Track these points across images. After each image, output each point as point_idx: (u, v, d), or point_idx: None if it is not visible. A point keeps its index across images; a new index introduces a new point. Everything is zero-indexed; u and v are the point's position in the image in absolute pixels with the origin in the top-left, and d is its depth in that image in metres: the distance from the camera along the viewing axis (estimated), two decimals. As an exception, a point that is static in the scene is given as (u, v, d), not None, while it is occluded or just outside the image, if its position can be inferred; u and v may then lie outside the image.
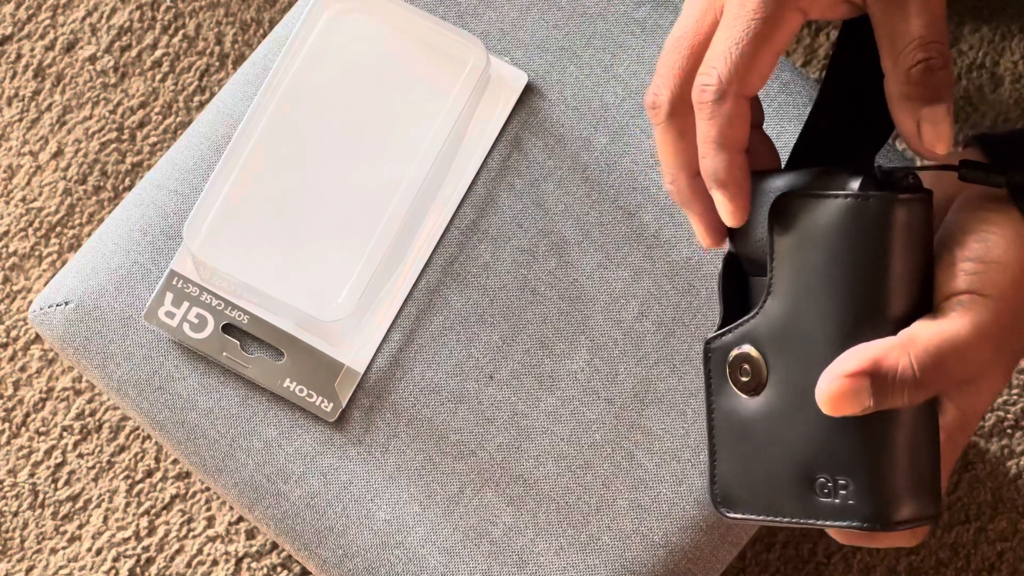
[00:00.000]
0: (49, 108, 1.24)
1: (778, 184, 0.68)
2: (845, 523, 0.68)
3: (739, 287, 0.71)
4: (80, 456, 1.18)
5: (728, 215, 0.69)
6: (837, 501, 0.67)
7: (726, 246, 0.72)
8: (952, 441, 0.69)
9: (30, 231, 1.22)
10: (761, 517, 0.70)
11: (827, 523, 0.68)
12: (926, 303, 0.67)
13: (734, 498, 0.71)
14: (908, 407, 0.66)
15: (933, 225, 0.68)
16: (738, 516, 0.71)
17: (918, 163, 0.70)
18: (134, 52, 1.24)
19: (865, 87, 0.69)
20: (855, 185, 0.66)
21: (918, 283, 0.67)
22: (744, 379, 0.69)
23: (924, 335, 0.66)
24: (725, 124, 0.67)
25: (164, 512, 1.17)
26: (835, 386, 0.65)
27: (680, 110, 0.70)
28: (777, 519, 0.69)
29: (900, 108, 0.67)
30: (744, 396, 0.69)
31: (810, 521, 0.68)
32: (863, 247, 0.66)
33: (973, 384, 0.68)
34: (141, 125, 1.23)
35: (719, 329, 0.70)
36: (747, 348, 0.69)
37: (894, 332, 0.66)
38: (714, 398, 0.70)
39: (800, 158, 0.71)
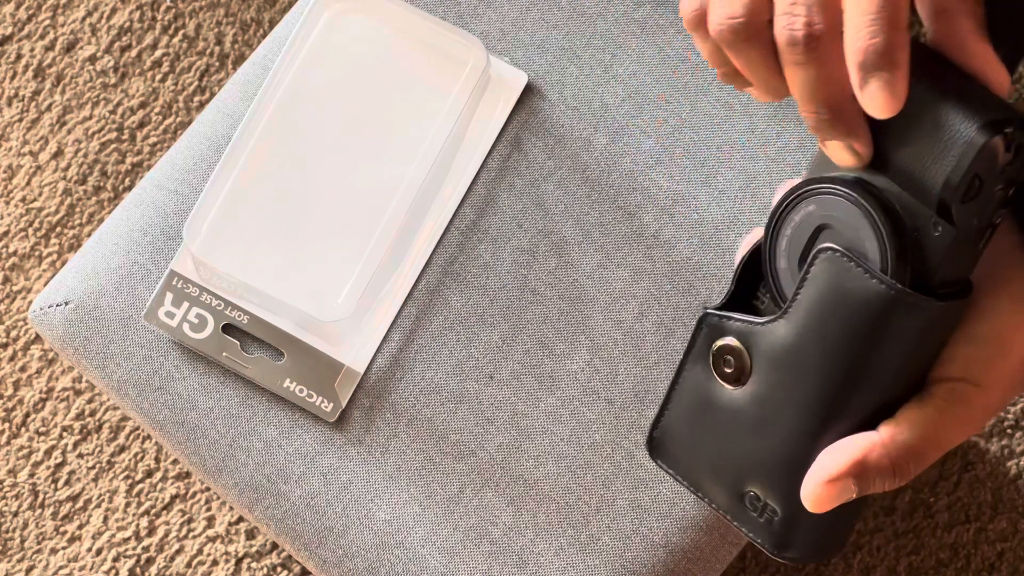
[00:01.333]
0: (49, 108, 1.24)
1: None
2: (754, 537, 0.71)
3: (754, 277, 0.72)
4: (80, 456, 1.18)
5: (889, 100, 0.61)
6: (759, 518, 0.71)
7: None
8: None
9: (30, 231, 1.22)
10: (684, 482, 0.73)
11: (740, 527, 0.71)
12: (922, 381, 0.68)
13: (668, 451, 0.74)
14: None
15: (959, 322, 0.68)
16: (665, 467, 0.74)
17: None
18: (134, 52, 1.24)
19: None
20: (896, 283, 0.66)
21: (925, 367, 0.68)
22: (726, 369, 0.70)
23: (905, 433, 0.66)
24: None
25: (164, 512, 1.17)
26: (821, 491, 0.67)
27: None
28: (698, 494, 0.73)
29: (978, 40, 0.63)
30: (717, 380, 0.71)
31: (727, 516, 0.72)
32: (882, 335, 0.66)
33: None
34: (141, 125, 1.23)
35: (722, 308, 0.71)
36: (740, 345, 0.70)
37: (883, 409, 0.67)
38: (689, 365, 0.72)
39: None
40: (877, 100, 0.62)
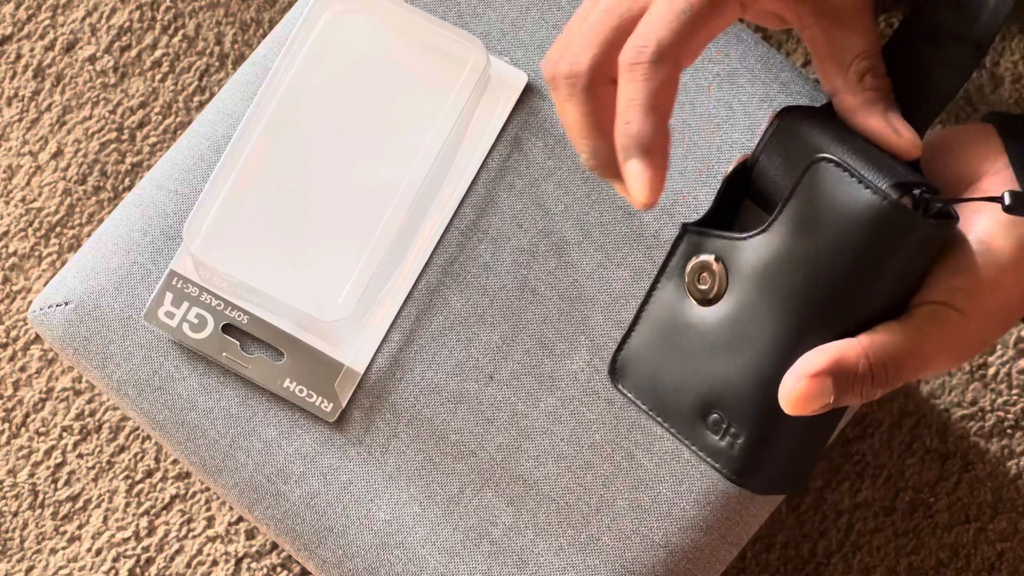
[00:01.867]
0: (49, 108, 1.24)
1: (816, 139, 0.67)
2: (713, 462, 0.69)
3: (735, 196, 0.71)
4: (80, 456, 1.18)
5: (645, 187, 0.65)
6: (720, 442, 0.69)
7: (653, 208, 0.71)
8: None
9: (30, 231, 1.22)
10: (645, 407, 0.72)
11: (699, 452, 0.70)
12: (900, 309, 0.68)
13: (630, 375, 0.72)
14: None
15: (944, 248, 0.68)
16: (626, 392, 0.72)
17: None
18: (134, 52, 1.24)
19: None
20: (893, 192, 0.65)
21: (905, 295, 0.67)
22: (700, 286, 0.69)
23: (885, 341, 0.66)
24: (659, 88, 0.65)
25: (164, 512, 1.17)
26: (801, 386, 0.66)
27: (600, 80, 0.68)
28: (658, 419, 0.71)
29: (867, 114, 0.68)
30: (689, 299, 0.69)
31: (686, 441, 0.70)
32: (871, 248, 0.66)
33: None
34: (141, 125, 1.23)
35: (702, 224, 0.70)
36: (715, 261, 0.69)
37: (862, 327, 0.67)
38: (661, 282, 0.70)
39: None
40: (631, 184, 0.65)
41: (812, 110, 0.69)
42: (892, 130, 0.67)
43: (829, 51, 0.68)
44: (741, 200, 0.71)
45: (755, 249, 0.67)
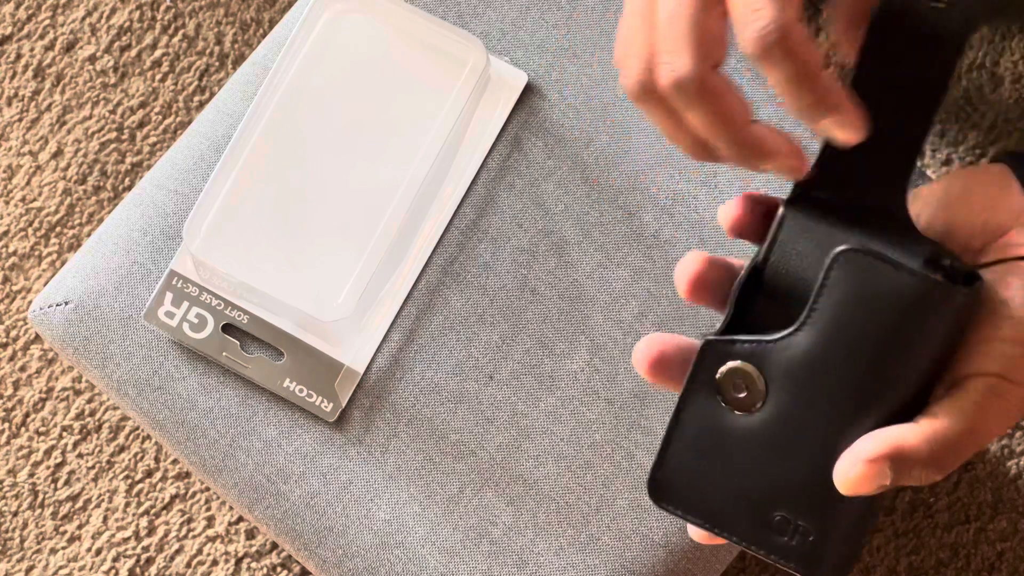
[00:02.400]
0: (49, 108, 1.24)
1: (828, 228, 0.68)
2: (787, 563, 0.69)
3: (749, 299, 0.71)
4: (80, 456, 1.18)
5: (854, 128, 0.64)
6: (790, 542, 0.69)
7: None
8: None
9: (30, 231, 1.22)
10: (698, 521, 0.70)
11: (769, 556, 0.69)
12: (941, 372, 0.68)
13: (676, 493, 0.71)
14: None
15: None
16: (673, 510, 0.71)
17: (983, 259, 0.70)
18: (134, 52, 1.24)
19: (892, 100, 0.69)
20: (926, 270, 0.66)
21: (945, 360, 0.67)
22: (738, 395, 0.69)
23: (944, 423, 0.66)
24: (807, 51, 0.63)
25: (164, 512, 1.17)
26: (857, 470, 0.65)
27: (710, 74, 0.65)
28: (717, 530, 0.70)
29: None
30: (726, 408, 0.69)
31: (754, 547, 0.69)
32: (912, 328, 0.66)
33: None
34: (141, 125, 1.23)
35: (721, 334, 0.70)
36: (748, 367, 0.69)
37: (911, 407, 0.67)
38: (691, 399, 0.70)
39: (828, 173, 0.70)
40: (840, 133, 0.65)
41: (811, 199, 0.69)
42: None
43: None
44: (755, 299, 0.71)
45: (790, 348, 0.68)
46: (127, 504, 1.17)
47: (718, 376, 0.69)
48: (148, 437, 1.18)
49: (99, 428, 1.18)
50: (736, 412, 0.69)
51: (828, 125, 0.65)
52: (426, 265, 0.88)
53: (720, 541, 0.69)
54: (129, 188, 1.22)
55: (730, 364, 0.69)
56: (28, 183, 1.23)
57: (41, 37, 1.25)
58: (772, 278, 0.69)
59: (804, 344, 0.68)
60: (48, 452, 1.18)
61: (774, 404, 0.68)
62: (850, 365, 0.67)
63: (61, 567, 1.17)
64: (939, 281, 0.65)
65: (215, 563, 1.16)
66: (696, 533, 0.69)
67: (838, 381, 0.67)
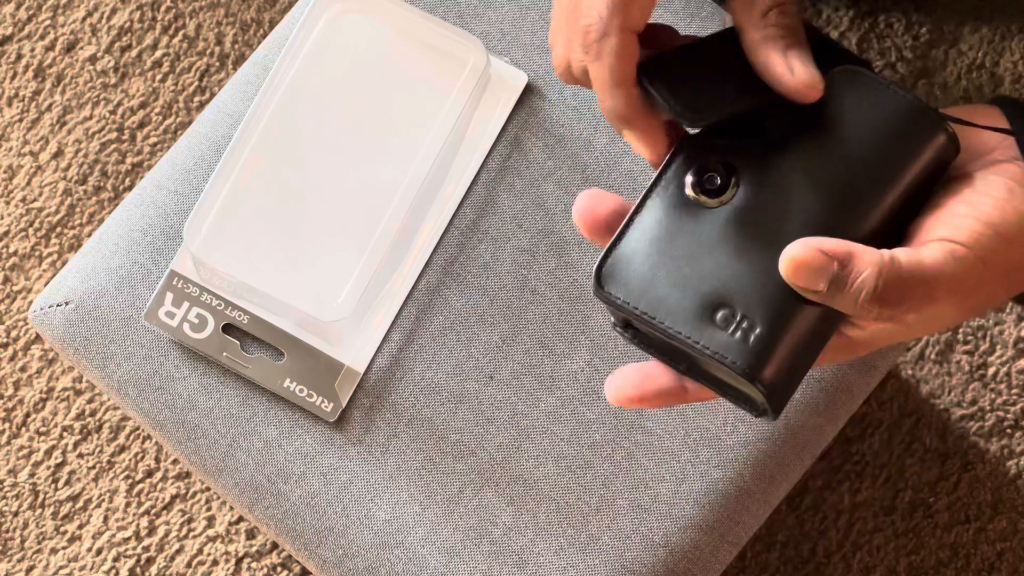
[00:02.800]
0: (49, 108, 1.24)
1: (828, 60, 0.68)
2: (720, 355, 0.66)
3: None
4: (80, 456, 1.18)
5: (644, 150, 0.68)
6: (732, 336, 0.67)
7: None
8: (841, 352, 0.69)
9: (30, 231, 1.22)
10: (639, 310, 0.68)
11: (705, 348, 0.67)
12: (901, 233, 0.67)
13: (618, 280, 0.69)
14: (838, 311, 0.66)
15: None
16: (614, 295, 0.69)
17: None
18: (134, 52, 1.25)
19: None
20: (916, 99, 0.66)
21: (912, 211, 0.67)
22: (709, 186, 0.68)
23: (903, 260, 0.65)
24: (614, 61, 0.67)
25: (164, 512, 1.17)
26: (805, 253, 0.64)
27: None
28: (654, 319, 0.68)
29: (767, 50, 0.67)
30: (694, 197, 0.68)
31: (689, 339, 0.67)
32: (896, 146, 0.66)
33: (904, 325, 0.67)
34: (141, 125, 1.23)
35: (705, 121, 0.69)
36: (729, 159, 0.68)
37: (874, 233, 0.67)
38: (659, 190, 0.69)
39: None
40: (636, 149, 0.69)
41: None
42: (786, 67, 0.67)
43: None
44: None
45: (771, 149, 0.67)
46: (127, 504, 1.17)
47: (695, 167, 0.68)
48: (148, 437, 1.18)
49: (99, 428, 1.18)
50: (708, 201, 0.68)
51: (627, 137, 0.68)
52: (426, 265, 0.88)
53: (645, 405, 0.68)
54: (129, 188, 1.22)
55: (708, 157, 0.68)
56: (29, 183, 1.23)
57: (42, 37, 1.25)
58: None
59: (786, 147, 0.67)
60: (49, 452, 1.18)
61: (742, 199, 0.68)
62: (829, 173, 0.66)
63: (61, 567, 1.17)
64: (931, 107, 0.66)
65: (215, 563, 1.16)
66: (616, 394, 0.68)
67: (812, 188, 0.66)
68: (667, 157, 0.69)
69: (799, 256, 0.64)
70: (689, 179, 0.68)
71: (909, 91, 0.67)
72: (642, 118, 0.68)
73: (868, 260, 0.65)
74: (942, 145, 0.67)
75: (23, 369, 1.20)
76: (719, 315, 0.67)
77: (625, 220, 0.68)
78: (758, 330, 0.66)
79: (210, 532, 1.17)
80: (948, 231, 0.66)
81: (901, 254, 0.65)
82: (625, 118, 0.68)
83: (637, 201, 0.68)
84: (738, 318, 0.67)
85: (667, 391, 0.68)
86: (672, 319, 0.67)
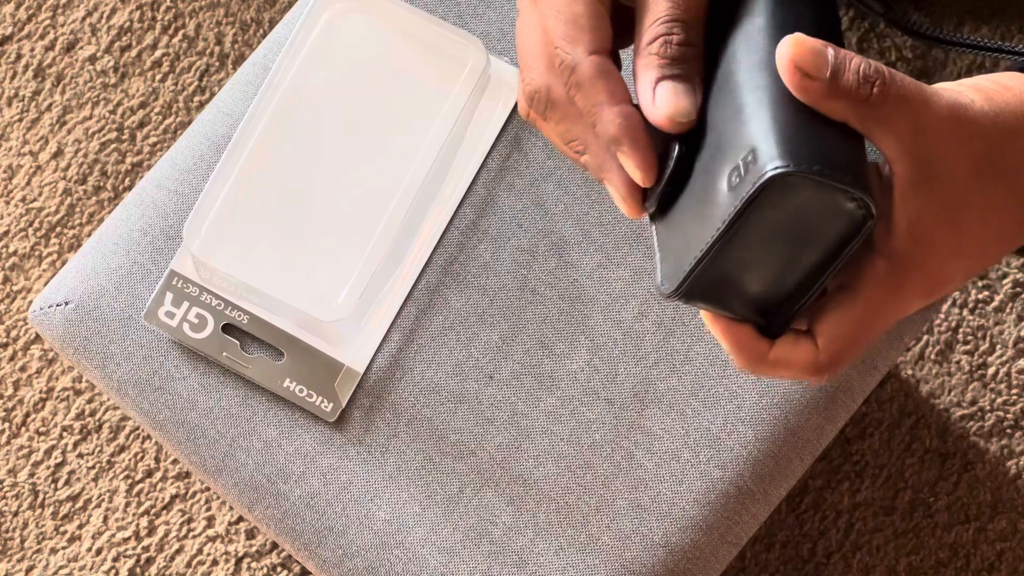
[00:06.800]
0: (49, 108, 1.24)
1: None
2: (741, 196, 0.64)
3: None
4: (80, 456, 1.18)
5: (640, 171, 0.67)
6: (739, 180, 0.64)
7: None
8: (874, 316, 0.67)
9: (30, 231, 1.22)
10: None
11: (723, 214, 0.65)
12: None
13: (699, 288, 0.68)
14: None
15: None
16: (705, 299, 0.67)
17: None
18: (134, 52, 1.25)
19: None
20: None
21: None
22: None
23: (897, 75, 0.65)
24: (587, 86, 0.67)
25: (164, 512, 1.17)
26: (801, 41, 0.63)
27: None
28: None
29: (639, 79, 0.67)
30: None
31: (718, 221, 0.65)
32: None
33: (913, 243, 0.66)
34: (141, 125, 1.23)
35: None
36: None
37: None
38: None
39: None
40: (629, 172, 0.68)
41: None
42: (650, 97, 0.67)
43: (640, 16, 0.68)
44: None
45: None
46: (127, 504, 1.17)
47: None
48: (148, 437, 1.18)
49: (99, 428, 1.18)
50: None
51: (619, 157, 0.68)
52: (426, 265, 0.88)
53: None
54: (129, 188, 1.22)
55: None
56: (28, 183, 1.23)
57: (41, 37, 1.25)
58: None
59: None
60: (48, 452, 1.18)
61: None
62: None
63: (61, 567, 1.17)
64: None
65: (215, 563, 1.16)
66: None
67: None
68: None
69: (797, 42, 0.64)
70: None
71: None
72: (631, 137, 0.67)
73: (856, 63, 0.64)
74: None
75: (23, 369, 1.20)
76: (729, 179, 0.65)
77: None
78: (757, 152, 0.64)
79: (210, 532, 1.17)
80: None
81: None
82: (614, 138, 0.67)
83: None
84: (741, 165, 0.64)
85: None
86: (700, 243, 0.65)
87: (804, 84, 0.64)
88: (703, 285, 0.66)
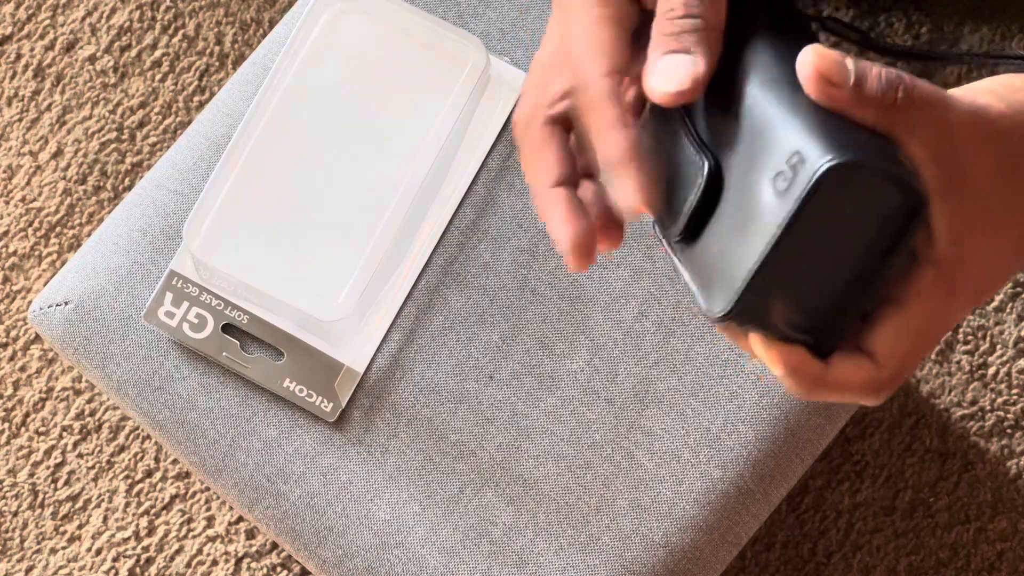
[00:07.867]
0: (49, 108, 1.24)
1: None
2: (796, 196, 0.64)
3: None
4: (80, 456, 1.18)
5: (639, 194, 0.66)
6: (787, 184, 0.64)
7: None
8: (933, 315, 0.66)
9: (30, 231, 1.22)
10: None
11: (776, 219, 0.64)
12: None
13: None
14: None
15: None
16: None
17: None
18: (134, 52, 1.25)
19: None
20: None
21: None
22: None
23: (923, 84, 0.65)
24: (599, 106, 0.67)
25: (164, 512, 1.17)
26: (821, 51, 0.63)
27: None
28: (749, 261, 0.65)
29: (651, 49, 0.67)
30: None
31: (773, 228, 0.64)
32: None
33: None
34: (141, 125, 1.23)
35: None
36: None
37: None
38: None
39: None
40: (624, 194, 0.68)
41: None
42: (650, 71, 0.66)
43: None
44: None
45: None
46: (127, 504, 1.17)
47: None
48: (148, 437, 1.18)
49: (99, 428, 1.18)
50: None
51: (615, 179, 0.67)
52: (426, 265, 0.88)
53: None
54: (129, 188, 1.22)
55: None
56: (28, 183, 1.23)
57: (41, 37, 1.25)
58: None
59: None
60: (48, 452, 1.18)
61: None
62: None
63: (61, 567, 1.17)
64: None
65: (215, 563, 1.16)
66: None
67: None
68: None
69: (819, 52, 0.63)
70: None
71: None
72: (637, 165, 0.66)
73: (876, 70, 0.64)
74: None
75: (23, 369, 1.20)
76: (775, 184, 0.64)
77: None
78: (804, 155, 0.64)
79: (210, 532, 1.17)
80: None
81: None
82: (617, 159, 0.66)
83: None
84: (786, 168, 0.64)
85: None
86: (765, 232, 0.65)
87: (830, 92, 0.64)
88: (756, 301, 0.65)
